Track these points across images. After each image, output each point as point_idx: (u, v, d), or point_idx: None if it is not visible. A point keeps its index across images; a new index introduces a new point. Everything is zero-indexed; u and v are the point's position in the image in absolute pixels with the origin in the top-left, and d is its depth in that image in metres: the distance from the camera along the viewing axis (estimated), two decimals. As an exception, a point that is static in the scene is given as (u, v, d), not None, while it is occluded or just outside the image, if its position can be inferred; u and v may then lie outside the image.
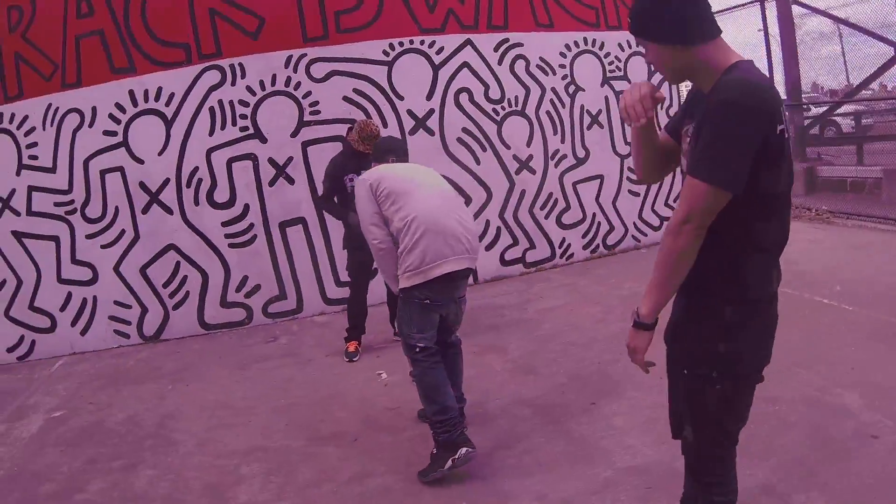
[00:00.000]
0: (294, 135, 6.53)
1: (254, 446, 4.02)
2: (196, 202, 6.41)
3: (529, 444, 3.69)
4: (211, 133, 6.36)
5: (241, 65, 6.38)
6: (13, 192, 6.10)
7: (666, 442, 2.52)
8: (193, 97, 6.31)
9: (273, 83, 6.46)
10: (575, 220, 7.48)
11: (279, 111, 6.48)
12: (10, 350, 6.26)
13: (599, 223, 7.59)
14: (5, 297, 6.22)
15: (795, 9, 10.24)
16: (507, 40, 7.14)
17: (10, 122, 6.04)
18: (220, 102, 6.37)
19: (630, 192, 7.68)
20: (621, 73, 7.62)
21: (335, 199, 5.32)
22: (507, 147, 7.19)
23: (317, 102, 6.55)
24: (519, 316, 5.95)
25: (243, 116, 6.42)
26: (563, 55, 7.37)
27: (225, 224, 6.46)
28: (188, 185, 6.37)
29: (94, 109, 6.13)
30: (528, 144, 7.25)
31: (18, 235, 6.11)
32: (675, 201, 7.66)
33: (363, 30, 6.67)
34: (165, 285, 6.40)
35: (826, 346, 4.46)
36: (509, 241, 7.27)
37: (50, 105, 6.06)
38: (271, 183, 6.53)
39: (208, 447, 4.08)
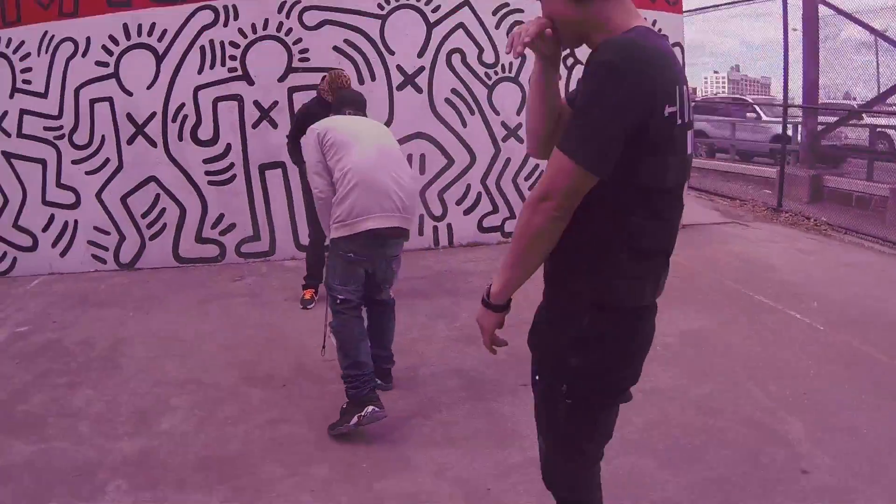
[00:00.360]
0: (281, 80, 6.63)
1: (189, 379, 4.24)
2: (180, 137, 6.58)
3: (448, 416, 3.71)
4: (199, 71, 6.50)
5: (234, 6, 6.48)
6: (6, 113, 6.37)
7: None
8: (185, 35, 6.44)
9: (265, 27, 6.55)
10: (560, 193, 7.47)
11: (268, 55, 6.58)
12: None
13: None
14: None
15: (825, 10, 9.90)
16: (506, 4, 7.04)
17: (7, 46, 6.26)
18: (212, 42, 6.49)
19: None
20: None
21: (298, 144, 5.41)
22: (497, 113, 7.16)
23: (306, 50, 6.63)
24: (482, 284, 5.90)
25: (233, 58, 6.54)
26: None
27: (206, 161, 6.64)
28: (173, 121, 6.54)
29: (88, 40, 6.30)
30: (518, 113, 7.18)
31: (8, 156, 6.39)
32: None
33: (352, -21, 6.70)
34: (144, 216, 6.64)
35: (785, 364, 4.32)
36: (489, 208, 7.30)
37: (46, 32, 6.25)
38: (255, 125, 6.68)
39: (148, 375, 4.31)
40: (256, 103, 6.63)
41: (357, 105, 3.99)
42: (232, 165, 6.68)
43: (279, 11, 6.54)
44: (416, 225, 4.12)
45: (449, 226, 7.24)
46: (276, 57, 6.60)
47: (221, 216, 6.74)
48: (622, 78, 1.47)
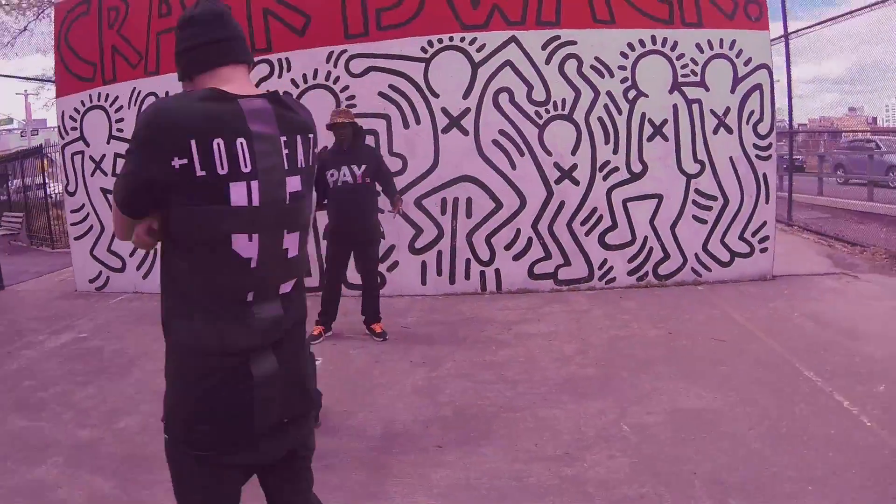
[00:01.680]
0: (330, 127, 6.88)
1: (143, 392, 4.65)
2: (245, 181, 7.10)
3: (336, 462, 3.50)
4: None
5: (287, 59, 6.97)
6: (104, 156, 7.49)
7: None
8: (246, 86, 6.99)
9: (314, 77, 6.92)
10: (621, 241, 6.72)
11: (318, 103, 6.76)
12: (91, 281, 7.84)
13: (651, 248, 6.70)
14: (91, 240, 7.71)
15: None
16: (557, 37, 6.62)
17: (105, 100, 7.42)
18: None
19: (696, 217, 6.64)
20: (697, 79, 6.59)
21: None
22: (549, 153, 6.71)
23: (353, 96, 6.85)
24: (495, 335, 5.57)
25: (287, 106, 6.93)
26: (623, 55, 6.61)
27: None
28: (239, 165, 7.09)
29: (166, 94, 7.14)
30: (573, 153, 6.68)
31: (105, 191, 7.47)
32: (753, 234, 6.59)
33: (403, 27, 6.77)
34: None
35: (793, 481, 3.05)
36: (540, 254, 6.81)
37: (134, 88, 7.31)
38: (310, 168, 6.96)
39: (143, 384, 4.78)
40: (309, 149, 6.92)
41: None
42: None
43: (327, 61, 6.88)
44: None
45: (497, 271, 6.88)
46: (324, 105, 6.78)
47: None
48: (135, 137, 1.61)
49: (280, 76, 6.97)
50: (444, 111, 6.79)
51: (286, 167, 1.72)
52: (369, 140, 6.71)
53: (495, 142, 6.76)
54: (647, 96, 6.65)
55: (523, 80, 6.71)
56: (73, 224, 7.90)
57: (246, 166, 1.64)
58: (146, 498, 3.23)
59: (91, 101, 7.56)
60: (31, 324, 6.77)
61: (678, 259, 6.71)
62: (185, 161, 1.57)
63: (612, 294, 6.58)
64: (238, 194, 1.64)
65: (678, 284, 6.71)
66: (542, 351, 5.11)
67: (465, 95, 6.76)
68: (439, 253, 6.91)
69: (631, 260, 6.76)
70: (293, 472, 1.90)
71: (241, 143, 1.63)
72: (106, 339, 6.02)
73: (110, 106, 7.45)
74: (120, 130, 7.43)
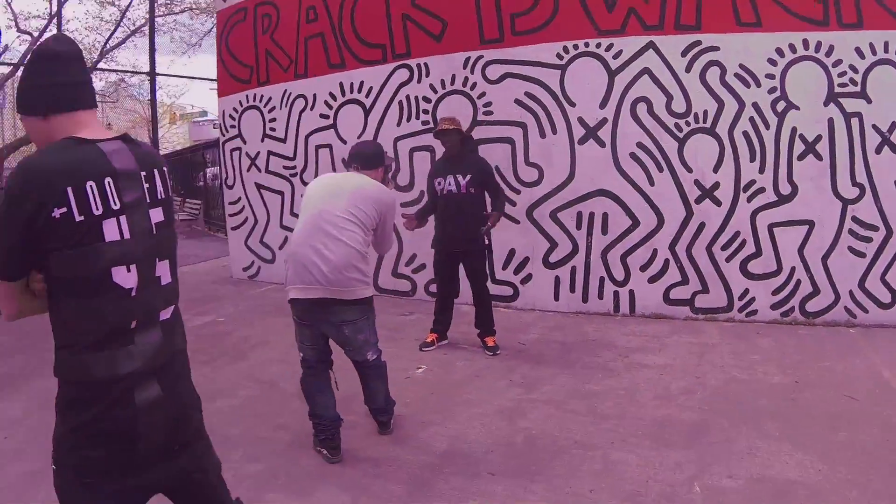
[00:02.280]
0: (468, 132, 6.81)
1: (257, 379, 5.05)
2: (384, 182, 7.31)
3: (387, 471, 3.62)
4: (398, 124, 7.18)
5: (426, 64, 6.98)
6: (258, 153, 8.02)
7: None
8: (387, 91, 7.20)
9: (452, 82, 6.89)
10: (765, 271, 6.15)
11: (456, 109, 6.83)
12: (244, 269, 8.49)
13: (799, 281, 6.07)
14: (246, 231, 8.31)
15: None
16: (698, 43, 6.07)
17: (259, 101, 7.90)
18: (408, 97, 7.12)
19: (852, 249, 5.92)
20: (857, 89, 5.75)
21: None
22: (689, 170, 6.25)
23: (490, 103, 6.76)
24: (607, 362, 5.36)
25: (425, 112, 7.06)
26: (772, 62, 5.90)
27: (403, 205, 7.13)
28: (376, 168, 7.32)
29: (314, 96, 7.52)
30: (716, 170, 6.16)
31: (259, 186, 8.03)
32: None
33: (537, 32, 6.52)
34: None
35: None
36: (676, 278, 6.41)
37: (286, 91, 7.69)
38: (444, 175, 7.05)
39: (251, 374, 5.16)
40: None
41: (359, 160, 4.04)
42: (431, 210, 7.16)
43: (464, 67, 6.81)
44: (360, 290, 3.81)
45: (631, 292, 6.58)
46: (462, 111, 6.82)
47: (414, 256, 7.32)
48: (9, 199, 1.73)
49: (419, 80, 7.03)
50: (581, 121, 6.50)
51: (148, 200, 1.89)
52: (505, 148, 6.69)
53: (633, 155, 6.39)
54: (797, 108, 5.93)
55: (662, 89, 6.24)
56: (230, 215, 8.61)
57: (115, 203, 1.81)
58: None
59: (248, 102, 8.10)
60: (182, 304, 7.36)
61: (829, 295, 6.04)
62: (64, 210, 1.71)
63: (750, 329, 6.07)
64: (111, 230, 1.80)
65: (828, 325, 6.03)
66: (648, 385, 4.82)
67: (602, 105, 6.42)
68: (573, 269, 6.73)
69: (775, 292, 6.17)
70: (193, 492, 2.05)
71: (109, 181, 1.79)
72: (238, 325, 6.59)
73: (264, 106, 7.93)
74: (272, 129, 7.92)
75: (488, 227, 5.41)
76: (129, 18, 20.06)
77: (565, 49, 6.48)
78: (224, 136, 8.45)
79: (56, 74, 1.84)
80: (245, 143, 8.21)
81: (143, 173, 1.88)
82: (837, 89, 5.85)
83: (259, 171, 8.09)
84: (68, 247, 1.75)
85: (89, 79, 1.95)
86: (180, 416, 1.96)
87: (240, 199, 8.40)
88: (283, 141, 7.86)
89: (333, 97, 7.47)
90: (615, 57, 6.35)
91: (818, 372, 5.01)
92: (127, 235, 1.84)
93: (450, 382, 5.03)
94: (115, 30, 19.61)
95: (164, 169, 1.99)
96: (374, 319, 3.88)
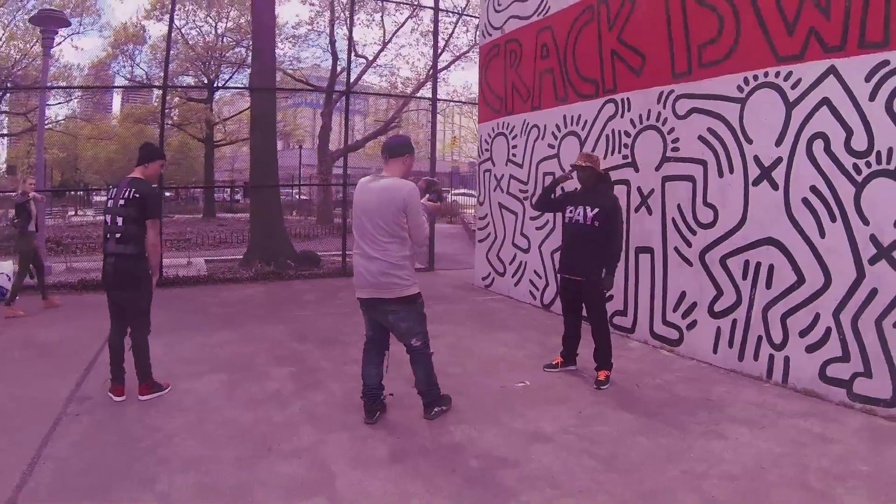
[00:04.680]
0: (658, 168, 6.77)
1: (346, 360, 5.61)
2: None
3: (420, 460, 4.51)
4: (604, 157, 7.33)
5: (628, 99, 7.09)
6: (503, 176, 8.81)
7: None
8: (597, 125, 7.48)
9: (648, 117, 6.87)
10: (951, 363, 4.63)
11: (649, 145, 6.85)
12: (483, 279, 9.42)
13: None
14: (488, 244, 9.31)
15: None
16: (885, 63, 4.89)
17: (506, 128, 8.78)
18: (613, 131, 7.28)
19: None
20: None
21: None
22: (865, 221, 5.08)
23: (677, 139, 6.56)
24: (687, 423, 4.77)
25: (625, 146, 7.13)
26: None
27: None
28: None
29: (545, 127, 8.10)
30: None
31: (501, 206, 8.86)
32: None
33: (722, 63, 6.10)
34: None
35: None
36: (837, 352, 5.25)
37: (524, 120, 8.47)
38: (636, 209, 7.02)
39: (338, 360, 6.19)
40: (639, 189, 7.00)
41: (387, 152, 4.63)
42: (621, 246, 7.16)
43: (658, 101, 6.74)
44: (398, 290, 4.07)
45: (786, 359, 5.63)
46: (654, 146, 6.81)
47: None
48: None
49: (622, 115, 7.19)
50: (756, 160, 5.86)
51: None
52: (687, 187, 6.48)
53: (805, 201, 5.47)
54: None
55: (841, 122, 5.22)
56: (479, 229, 9.66)
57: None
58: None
59: (498, 129, 9.12)
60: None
61: None
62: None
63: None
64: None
65: None
66: (694, 458, 4.17)
67: (778, 142, 5.68)
68: (734, 322, 6.07)
69: (962, 394, 4.65)
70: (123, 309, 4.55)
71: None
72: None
73: (509, 133, 8.86)
74: (514, 156, 8.80)
75: (606, 283, 5.60)
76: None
77: (746, 80, 5.94)
78: (480, 158, 9.57)
79: None
80: (494, 165, 9.22)
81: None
82: None
83: (502, 191, 9.01)
84: None
85: None
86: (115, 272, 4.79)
87: (486, 215, 9.44)
88: (521, 166, 8.67)
89: (558, 128, 8.02)
90: (793, 87, 5.57)
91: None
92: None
93: (538, 400, 5.24)
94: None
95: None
96: (419, 312, 4.58)
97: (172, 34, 26.34)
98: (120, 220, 4.93)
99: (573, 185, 6.07)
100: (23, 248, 8.10)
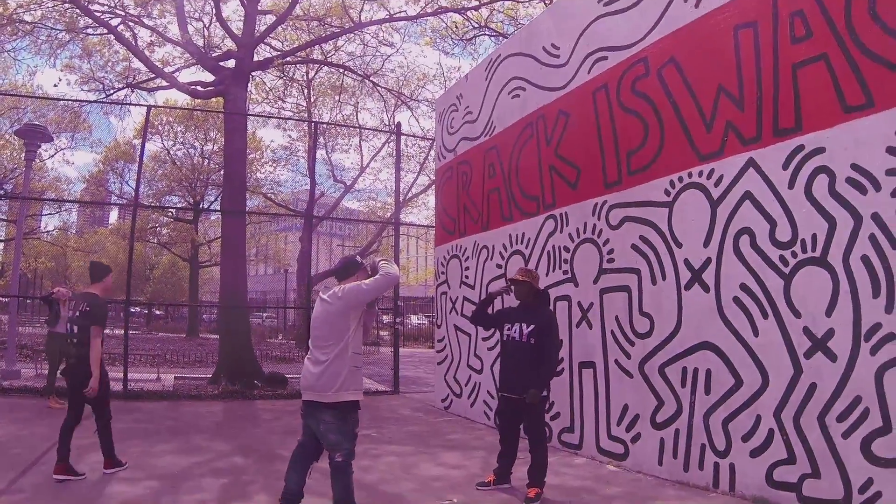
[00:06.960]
0: (595, 281, 6.77)
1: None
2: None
3: None
4: (546, 274, 7.37)
5: (566, 214, 7.22)
6: (457, 298, 8.88)
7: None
8: (539, 242, 7.58)
9: (584, 230, 6.95)
10: (896, 457, 4.35)
11: (586, 258, 6.89)
12: (442, 401, 9.27)
13: None
14: (446, 366, 9.18)
15: None
16: (800, 148, 4.96)
17: (459, 251, 8.91)
18: (554, 247, 7.36)
19: None
20: None
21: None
22: (797, 314, 4.94)
23: (612, 251, 6.60)
24: None
25: (565, 261, 7.18)
26: (892, 151, 4.40)
27: None
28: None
29: (493, 247, 8.24)
30: (829, 313, 4.72)
31: (456, 328, 8.79)
32: None
33: (649, 168, 6.26)
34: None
35: None
36: (782, 454, 4.96)
37: (475, 241, 8.60)
38: (577, 324, 6.95)
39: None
40: (579, 304, 6.96)
41: (336, 275, 4.75)
42: (562, 360, 7.01)
43: (593, 213, 6.85)
44: (338, 393, 4.03)
45: (731, 466, 5.33)
46: (591, 259, 6.84)
47: (552, 403, 7.11)
48: None
49: (561, 231, 7.29)
50: (687, 263, 5.84)
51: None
52: (623, 298, 6.43)
53: (736, 299, 5.39)
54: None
55: (764, 214, 5.23)
56: (437, 351, 9.57)
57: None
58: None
59: (452, 252, 9.24)
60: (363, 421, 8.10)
61: None
62: None
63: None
64: None
65: None
66: None
67: (706, 243, 5.67)
68: (676, 431, 5.82)
69: (912, 490, 4.30)
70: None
71: None
72: (367, 442, 6.88)
73: (462, 255, 8.95)
74: (467, 278, 8.88)
75: (531, 396, 5.42)
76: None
77: (671, 183, 6.05)
78: (437, 280, 9.64)
79: None
80: (449, 287, 9.29)
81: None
82: None
83: (457, 314, 8.99)
84: None
85: None
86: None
87: (444, 337, 9.38)
88: (473, 287, 8.69)
89: (504, 248, 8.12)
90: (716, 185, 5.63)
91: None
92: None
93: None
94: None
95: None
96: (350, 428, 4.45)
97: (161, 154, 28.34)
98: (75, 329, 5.84)
99: (512, 301, 6.08)
100: (50, 348, 9.66)
